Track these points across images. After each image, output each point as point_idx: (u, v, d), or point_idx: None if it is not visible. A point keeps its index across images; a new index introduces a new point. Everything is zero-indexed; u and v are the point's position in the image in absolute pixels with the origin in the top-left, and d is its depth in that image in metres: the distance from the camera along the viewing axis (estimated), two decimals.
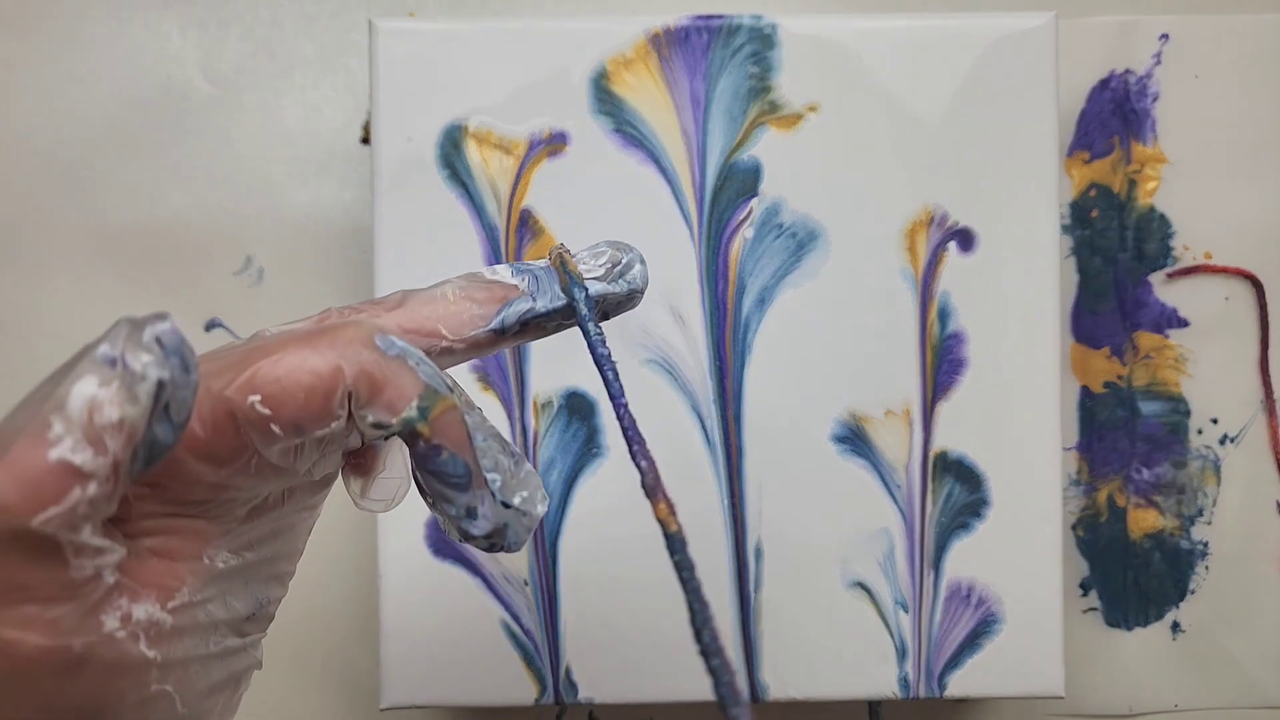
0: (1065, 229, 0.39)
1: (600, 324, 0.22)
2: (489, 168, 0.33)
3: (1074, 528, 0.39)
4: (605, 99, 0.33)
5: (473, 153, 0.33)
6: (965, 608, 0.33)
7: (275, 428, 0.18)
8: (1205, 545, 0.39)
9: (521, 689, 0.33)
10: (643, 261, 0.22)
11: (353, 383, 0.18)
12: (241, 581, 0.20)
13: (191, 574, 0.19)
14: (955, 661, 0.34)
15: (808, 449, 0.33)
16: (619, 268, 0.22)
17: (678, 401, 0.33)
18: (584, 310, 0.21)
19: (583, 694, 0.33)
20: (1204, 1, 0.39)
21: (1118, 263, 0.39)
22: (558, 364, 0.33)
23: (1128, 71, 0.39)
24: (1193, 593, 0.39)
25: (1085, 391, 0.39)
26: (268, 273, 0.39)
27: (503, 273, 0.22)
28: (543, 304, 0.21)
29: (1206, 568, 0.39)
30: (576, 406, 0.33)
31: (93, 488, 0.16)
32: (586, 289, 0.22)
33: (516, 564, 0.34)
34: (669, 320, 0.33)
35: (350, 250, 0.40)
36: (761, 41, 0.33)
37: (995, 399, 0.33)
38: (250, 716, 0.38)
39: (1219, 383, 0.39)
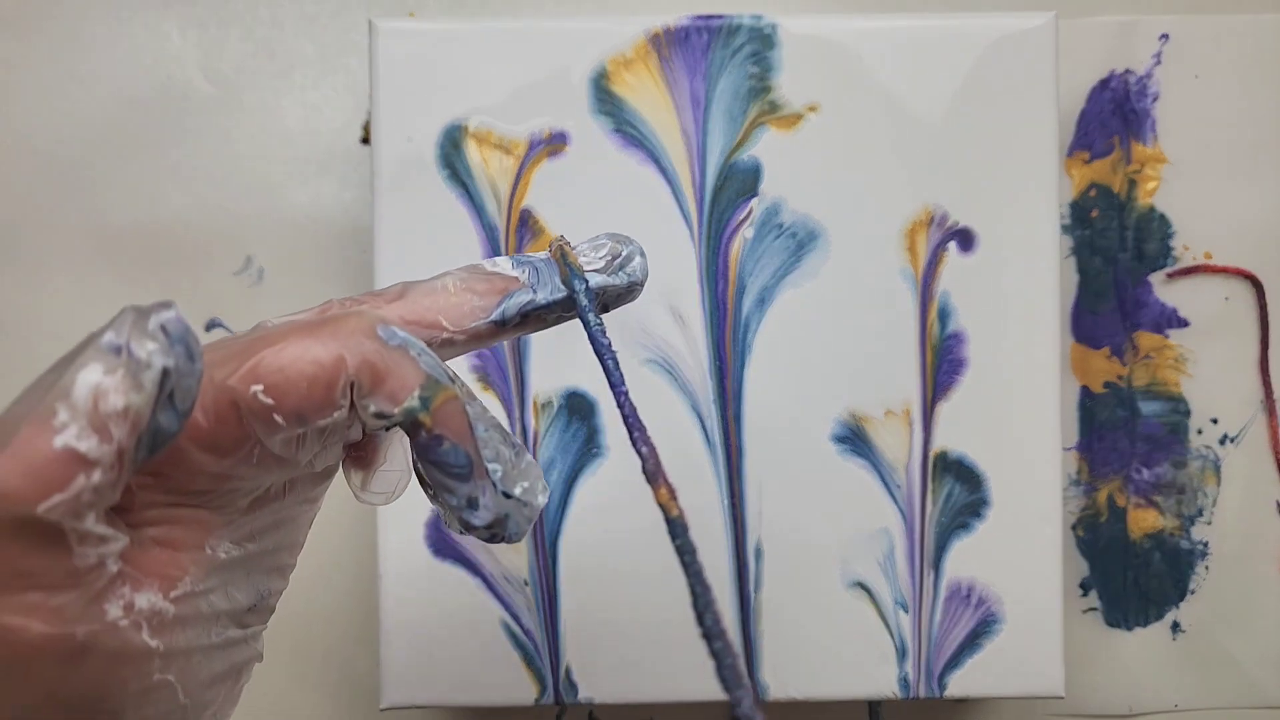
0: (1065, 229, 0.39)
1: (600, 316, 0.22)
2: (489, 168, 0.33)
3: (1074, 528, 0.39)
4: (605, 99, 0.33)
5: (473, 153, 0.33)
6: (965, 608, 0.33)
7: (278, 417, 0.18)
8: (1205, 545, 0.39)
9: (521, 689, 0.33)
10: (643, 254, 0.22)
11: (355, 373, 0.18)
12: (243, 572, 0.20)
13: (194, 564, 0.19)
14: (955, 661, 0.34)
15: (808, 449, 0.33)
16: (619, 260, 0.22)
17: (678, 401, 0.33)
18: (584, 301, 0.21)
19: (583, 694, 0.33)
20: (1204, 1, 0.39)
21: (1118, 263, 0.39)
22: (558, 364, 0.33)
23: (1128, 71, 0.39)
24: (1193, 593, 0.39)
25: (1085, 391, 0.39)
26: (268, 273, 0.39)
27: (503, 265, 0.22)
28: (543, 296, 0.21)
29: (1206, 568, 0.39)
30: (576, 406, 0.33)
31: (97, 475, 0.16)
32: (587, 281, 0.22)
33: (516, 564, 0.34)
34: (669, 320, 0.33)
35: (350, 250, 0.40)
36: (761, 41, 0.33)
37: (995, 399, 0.33)
38: (250, 716, 0.38)
39: (1219, 383, 0.39)
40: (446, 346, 0.21)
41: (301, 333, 0.18)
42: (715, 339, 0.33)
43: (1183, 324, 0.39)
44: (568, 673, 0.33)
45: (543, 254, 0.22)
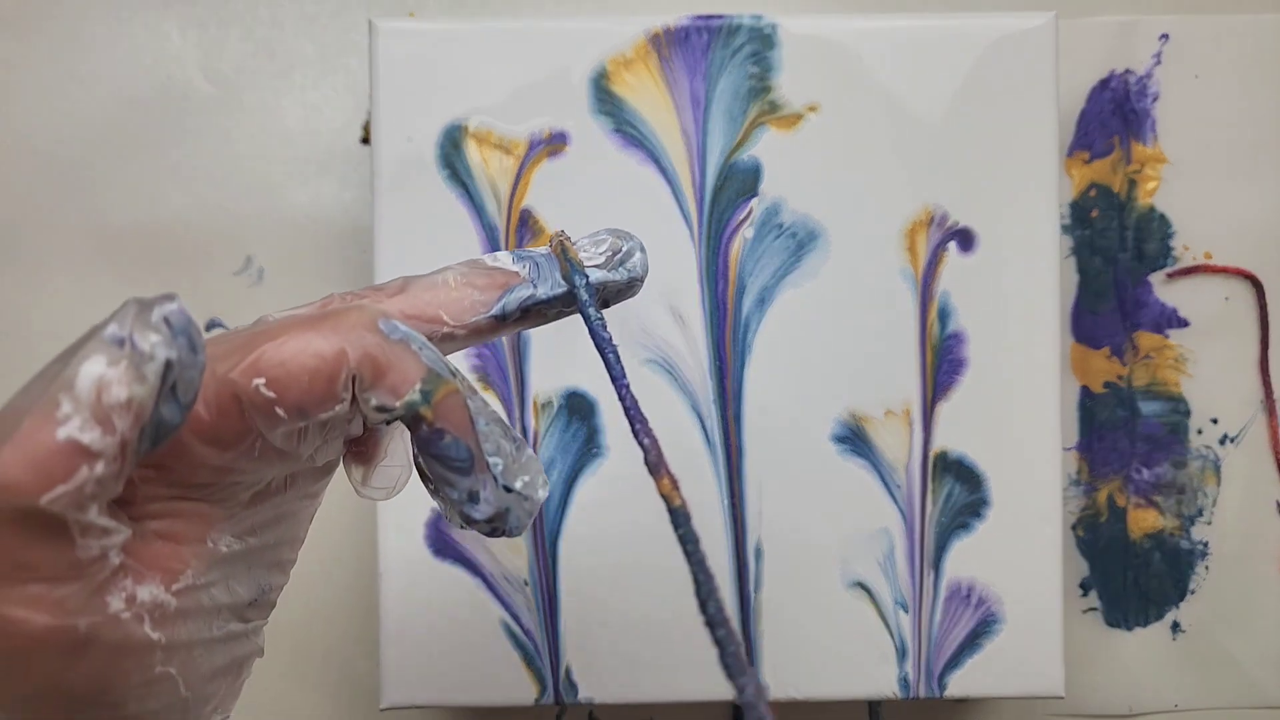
0: (1065, 229, 0.39)
1: (600, 311, 0.22)
2: (489, 168, 0.33)
3: (1074, 528, 0.39)
4: (605, 99, 0.33)
5: (473, 153, 0.33)
6: (965, 608, 0.33)
7: (279, 410, 0.18)
8: (1205, 545, 0.39)
9: (521, 689, 0.33)
10: (643, 250, 0.22)
11: (356, 366, 0.18)
12: (244, 566, 0.20)
13: (195, 557, 0.19)
14: (955, 661, 0.34)
15: (808, 449, 0.33)
16: (619, 255, 0.22)
17: (678, 401, 0.33)
18: (585, 296, 0.21)
19: (583, 694, 0.33)
20: (1204, 1, 0.39)
21: (1118, 263, 0.39)
22: (558, 364, 0.33)
23: (1128, 71, 0.39)
24: (1193, 593, 0.39)
25: (1085, 391, 0.39)
26: (268, 273, 0.39)
27: (504, 259, 0.22)
28: (544, 290, 0.21)
29: (1206, 568, 0.39)
30: (576, 406, 0.33)
31: (100, 467, 0.16)
32: (587, 276, 0.22)
33: (516, 564, 0.34)
34: (669, 320, 0.33)
35: (350, 250, 0.40)
36: (761, 41, 0.33)
37: (995, 399, 0.33)
38: (251, 716, 0.38)
39: (1219, 383, 0.39)
40: (447, 341, 0.21)
41: (303, 326, 0.18)
42: (715, 339, 0.33)
43: (1183, 324, 0.39)
44: (568, 673, 0.33)
45: (543, 249, 0.22)
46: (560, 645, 0.33)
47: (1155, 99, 0.39)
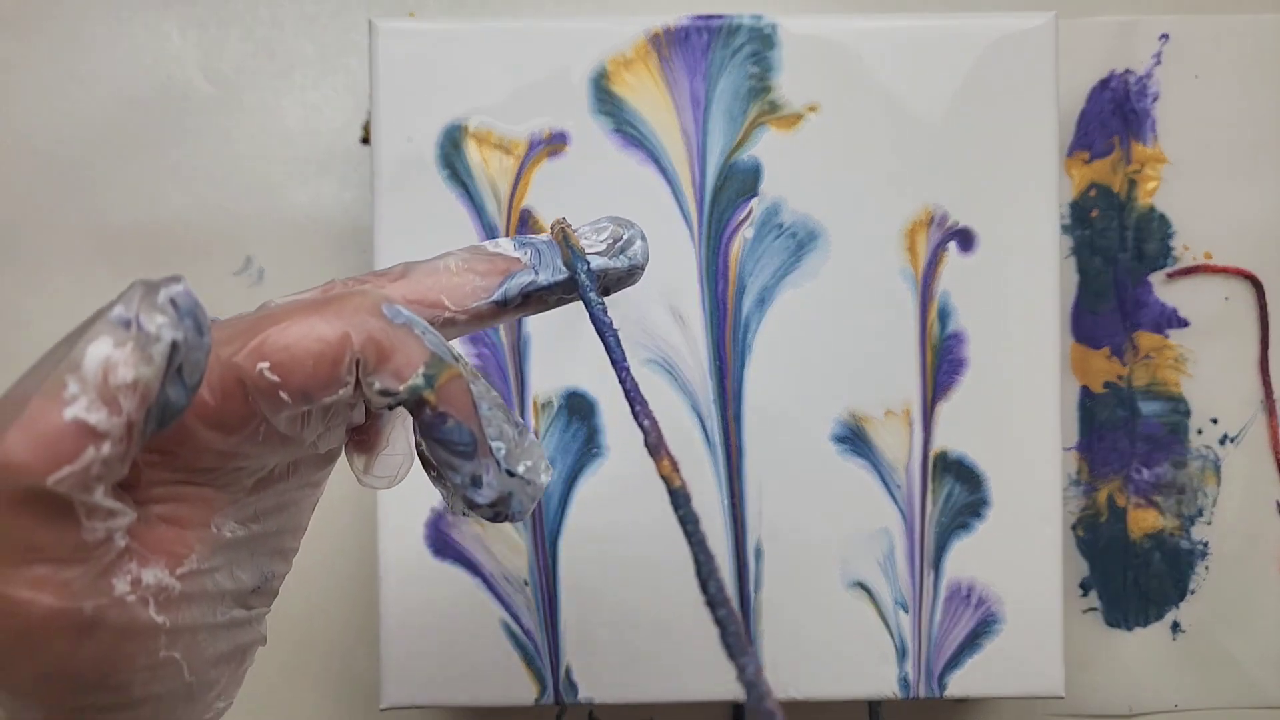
0: (1065, 229, 0.39)
1: (601, 298, 0.22)
2: (489, 168, 0.33)
3: (1074, 528, 0.39)
4: (605, 99, 0.33)
5: (473, 153, 0.33)
6: (965, 608, 0.33)
7: (284, 394, 0.18)
8: (1205, 545, 0.39)
9: (521, 689, 0.33)
10: (644, 238, 0.23)
11: (360, 350, 0.18)
12: (248, 553, 0.20)
13: (200, 542, 0.19)
14: (955, 661, 0.34)
15: (808, 449, 0.33)
16: (620, 243, 0.22)
17: (678, 401, 0.33)
18: (586, 281, 0.21)
19: (583, 694, 0.33)
20: (1204, 1, 0.39)
21: (1118, 263, 0.39)
22: (558, 364, 0.33)
23: (1128, 71, 0.39)
24: (1193, 593, 0.39)
25: (1085, 391, 0.39)
26: (268, 273, 0.39)
27: (505, 245, 0.22)
28: (545, 277, 0.21)
29: (1206, 568, 0.39)
30: (576, 406, 0.33)
31: (106, 448, 0.16)
32: (588, 262, 0.22)
33: (516, 564, 0.34)
34: (669, 320, 0.33)
35: (350, 250, 0.40)
36: (761, 41, 0.33)
37: (995, 399, 0.33)
38: (251, 716, 0.38)
39: (1219, 383, 0.39)
40: (448, 326, 0.21)
41: (307, 311, 0.18)
42: (715, 339, 0.33)
43: (1183, 324, 0.39)
44: (568, 673, 0.33)
45: (544, 236, 0.22)
46: (560, 645, 0.33)
47: (1155, 99, 0.39)
